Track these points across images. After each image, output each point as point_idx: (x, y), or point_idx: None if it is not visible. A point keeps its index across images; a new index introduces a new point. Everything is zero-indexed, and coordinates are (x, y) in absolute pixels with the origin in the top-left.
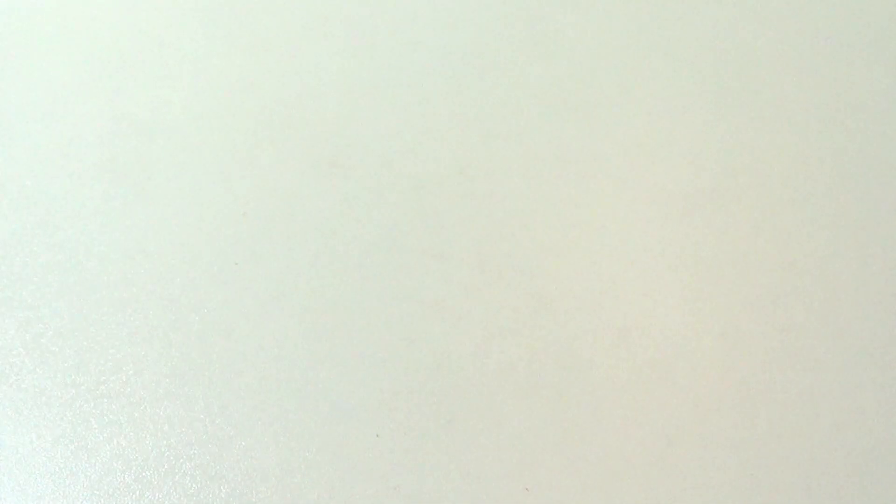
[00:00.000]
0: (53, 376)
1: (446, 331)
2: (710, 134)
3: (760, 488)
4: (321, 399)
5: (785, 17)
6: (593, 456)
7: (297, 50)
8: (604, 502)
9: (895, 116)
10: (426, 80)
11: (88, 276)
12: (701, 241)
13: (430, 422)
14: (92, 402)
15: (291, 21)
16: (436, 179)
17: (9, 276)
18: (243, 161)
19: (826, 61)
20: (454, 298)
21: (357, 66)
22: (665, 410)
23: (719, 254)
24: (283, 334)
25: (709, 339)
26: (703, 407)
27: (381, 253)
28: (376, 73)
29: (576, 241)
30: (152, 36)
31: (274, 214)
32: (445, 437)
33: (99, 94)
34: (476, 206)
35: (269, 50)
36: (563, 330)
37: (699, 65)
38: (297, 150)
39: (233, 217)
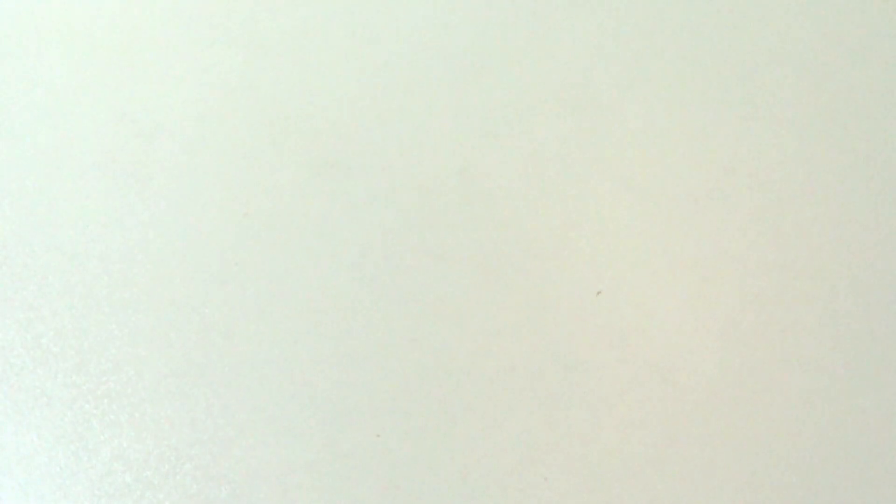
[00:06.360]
0: (53, 376)
1: (446, 331)
2: (710, 134)
3: (760, 488)
4: (321, 399)
5: (786, 16)
6: (593, 456)
7: (297, 50)
8: (604, 503)
9: (895, 116)
10: (426, 80)
11: (88, 276)
12: (701, 241)
13: (430, 422)
14: (92, 402)
15: (292, 21)
16: (436, 179)
17: (9, 276)
18: (243, 161)
19: (826, 61)
20: (454, 298)
21: (357, 66)
22: (665, 410)
23: (719, 254)
24: (283, 334)
25: (709, 339)
26: (703, 407)
27: (381, 253)
28: (376, 73)
29: (576, 241)
30: (152, 36)
31: (274, 214)
32: (445, 437)
33: (99, 94)
34: (476, 206)
35: (269, 50)
36: (563, 330)
37: (700, 65)
38: (297, 150)
39: (233, 217)
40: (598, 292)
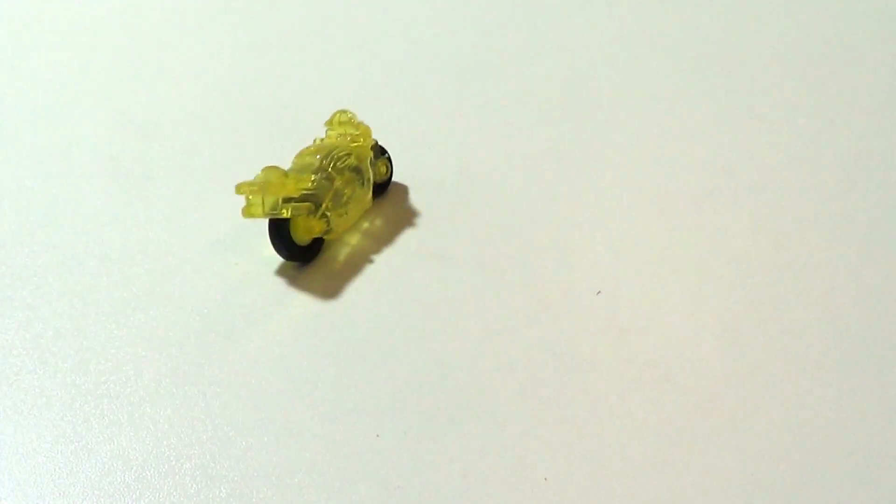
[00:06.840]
0: (53, 376)
1: (446, 331)
2: (710, 134)
3: (760, 488)
4: (321, 399)
5: (786, 17)
6: (593, 456)
7: (297, 50)
8: (603, 503)
9: (895, 116)
10: (426, 80)
11: (88, 276)
12: (701, 241)
13: (430, 422)
14: (92, 402)
15: (292, 21)
16: (436, 179)
17: (9, 276)
18: (243, 161)
19: (827, 61)
20: (454, 298)
21: (357, 67)
22: (665, 410)
23: (719, 254)
24: (283, 334)
25: (709, 339)
26: (703, 407)
27: (381, 252)
28: (376, 73)
29: (576, 241)
30: (152, 36)
31: None
32: (445, 437)
33: (99, 94)
34: (476, 206)
35: (268, 50)
36: (563, 330)
37: (701, 66)
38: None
39: (233, 217)
40: (598, 292)
